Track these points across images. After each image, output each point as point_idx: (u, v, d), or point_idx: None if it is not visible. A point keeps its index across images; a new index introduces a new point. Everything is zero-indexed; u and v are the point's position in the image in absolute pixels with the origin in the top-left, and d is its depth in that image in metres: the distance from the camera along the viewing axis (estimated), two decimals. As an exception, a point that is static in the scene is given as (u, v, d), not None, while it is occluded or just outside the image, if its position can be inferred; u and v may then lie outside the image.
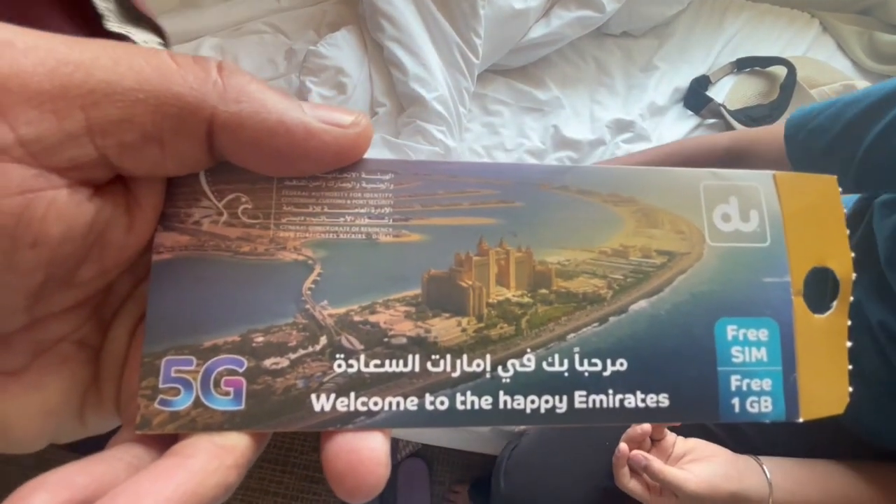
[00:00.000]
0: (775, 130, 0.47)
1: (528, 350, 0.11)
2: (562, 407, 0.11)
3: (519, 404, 0.11)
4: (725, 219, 0.11)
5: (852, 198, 0.50)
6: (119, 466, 0.10)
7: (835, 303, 0.12)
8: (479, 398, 0.11)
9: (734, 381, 0.11)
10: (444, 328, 0.11)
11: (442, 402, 0.11)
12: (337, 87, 0.68)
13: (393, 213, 0.12)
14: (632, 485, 0.46)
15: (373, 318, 0.11)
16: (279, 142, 0.11)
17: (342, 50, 0.69)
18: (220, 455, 0.10)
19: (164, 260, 0.12)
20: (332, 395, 0.11)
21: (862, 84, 0.78)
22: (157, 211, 0.12)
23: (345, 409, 0.11)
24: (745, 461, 0.45)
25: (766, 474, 0.44)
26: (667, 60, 0.83)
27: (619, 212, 0.11)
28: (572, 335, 0.11)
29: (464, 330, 0.11)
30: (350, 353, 0.11)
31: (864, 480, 0.44)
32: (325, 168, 0.12)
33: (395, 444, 0.95)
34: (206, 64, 0.10)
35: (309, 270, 0.12)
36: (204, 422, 0.11)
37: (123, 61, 0.10)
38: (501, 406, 0.11)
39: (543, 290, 0.11)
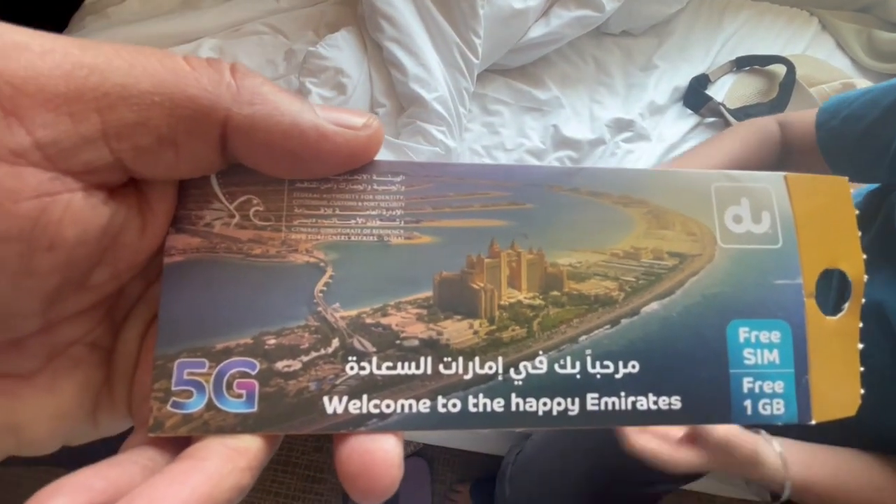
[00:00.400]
0: (807, 119, 0.46)
1: (540, 352, 0.11)
2: (574, 409, 0.11)
3: (531, 406, 0.11)
4: (737, 220, 0.11)
5: (861, 192, 0.50)
6: (134, 470, 0.10)
7: (846, 304, 0.12)
8: (492, 400, 0.11)
9: (746, 384, 0.11)
10: (455, 330, 0.11)
11: (454, 405, 0.11)
12: (337, 88, 0.68)
13: (404, 215, 0.12)
14: (643, 440, 0.42)
15: (385, 321, 0.11)
16: (292, 144, 0.11)
17: (342, 50, 0.69)
18: (233, 458, 0.10)
19: (175, 262, 0.12)
20: (345, 398, 0.11)
21: (861, 82, 0.78)
22: (169, 214, 0.12)
23: (357, 411, 0.11)
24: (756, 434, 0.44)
25: (776, 447, 0.43)
26: (666, 59, 0.83)
27: (630, 213, 0.11)
28: (584, 337, 0.11)
29: (475, 332, 0.11)
30: (362, 356, 0.11)
31: (876, 461, 0.43)
32: (337, 170, 0.12)
33: (397, 444, 0.95)
34: (220, 66, 0.10)
35: (321, 273, 0.12)
36: (217, 424, 0.11)
37: (138, 64, 0.10)
38: (514, 408, 0.11)
39: (555, 293, 0.11)
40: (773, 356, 0.11)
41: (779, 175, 0.12)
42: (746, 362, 0.11)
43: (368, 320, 0.11)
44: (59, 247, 0.10)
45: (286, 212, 0.12)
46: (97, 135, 0.09)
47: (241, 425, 0.11)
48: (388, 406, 0.11)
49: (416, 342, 0.11)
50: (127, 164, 0.10)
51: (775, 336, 0.11)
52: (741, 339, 0.11)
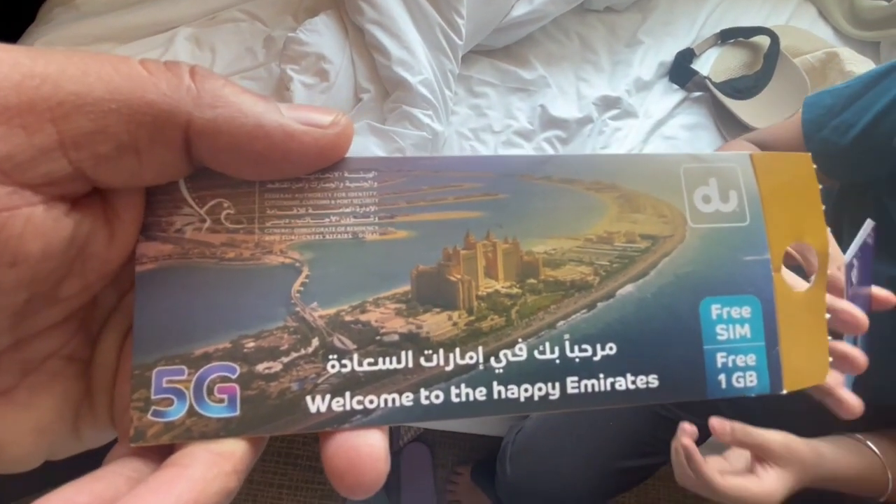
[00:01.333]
0: (786, 133, 0.45)
1: (520, 340, 0.11)
2: (555, 394, 0.11)
3: (513, 393, 0.11)
4: (706, 200, 0.12)
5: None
6: (119, 482, 0.10)
7: (813, 277, 0.12)
8: (474, 390, 0.11)
9: (720, 359, 0.11)
10: (435, 323, 0.11)
11: (437, 396, 0.11)
12: (319, 74, 0.67)
13: (378, 211, 0.12)
14: (729, 483, 0.40)
15: (364, 317, 0.11)
16: (258, 146, 0.10)
17: (322, 35, 0.67)
18: (218, 462, 0.10)
19: (147, 270, 0.11)
20: (328, 396, 0.11)
21: (844, 51, 0.78)
22: (137, 221, 0.11)
23: (341, 408, 0.11)
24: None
25: (873, 447, 0.43)
26: (651, 35, 0.82)
27: (602, 199, 0.12)
28: (562, 322, 0.11)
29: (455, 324, 0.11)
30: (343, 353, 0.11)
31: None
32: (307, 170, 0.12)
33: (397, 430, 0.96)
34: (179, 69, 0.10)
35: (297, 273, 0.12)
36: (199, 430, 0.11)
37: (92, 71, 0.09)
38: (496, 396, 0.11)
39: (532, 280, 0.12)
40: (745, 330, 0.11)
41: (744, 154, 0.12)
42: (719, 338, 0.11)
43: (347, 318, 0.11)
44: (23, 262, 0.09)
45: (258, 213, 0.12)
46: (54, 145, 0.09)
47: (224, 430, 0.11)
48: (371, 402, 0.11)
49: (396, 337, 0.11)
50: (88, 173, 0.10)
51: (746, 311, 0.12)
52: (713, 316, 0.11)
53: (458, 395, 0.11)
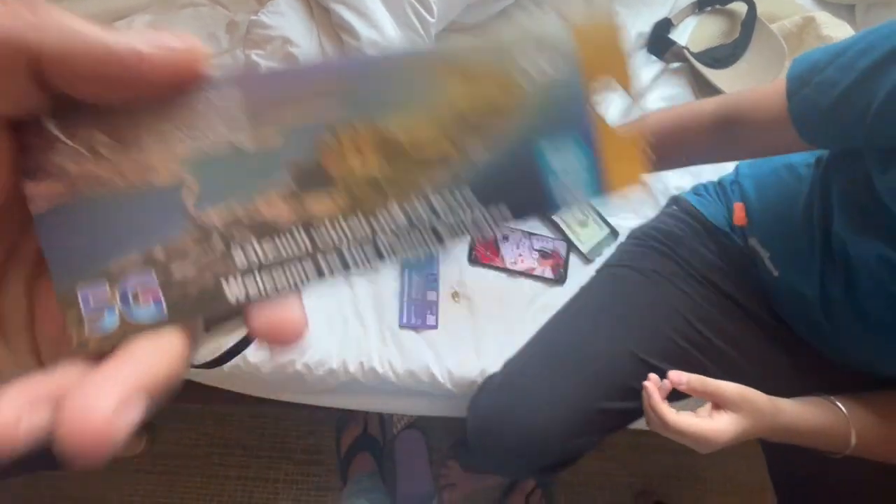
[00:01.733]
0: (770, 91, 0.45)
1: (395, 206, 0.14)
2: (430, 238, 0.14)
3: (396, 245, 0.14)
4: (534, 66, 0.14)
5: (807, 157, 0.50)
6: (73, 371, 0.11)
7: (623, 116, 0.15)
8: (364, 249, 0.14)
9: (555, 183, 0.15)
10: (320, 206, 0.13)
11: (334, 262, 0.13)
12: (286, 59, 0.64)
13: (248, 119, 0.13)
14: (681, 419, 0.45)
15: (255, 211, 0.13)
16: (111, 70, 0.11)
17: (286, 17, 0.65)
18: (161, 347, 0.12)
19: (44, 211, 0.12)
20: (241, 281, 0.13)
21: (821, 15, 0.78)
22: (7, 162, 0.11)
23: (255, 290, 0.13)
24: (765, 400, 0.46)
25: (840, 406, 0.46)
26: (627, 5, 0.81)
27: (450, 81, 0.14)
28: (430, 187, 0.14)
29: (336, 203, 0.14)
30: (245, 245, 0.13)
31: None
32: (167, 89, 0.12)
33: (390, 419, 0.95)
34: (16, 1, 0.10)
35: (184, 185, 0.13)
36: (136, 333, 0.12)
37: None
38: (383, 252, 0.14)
39: (399, 158, 0.14)
40: (573, 156, 0.15)
41: (566, 25, 0.15)
42: (553, 167, 0.15)
43: (240, 213, 0.13)
44: None
45: (134, 138, 0.12)
46: None
47: (158, 329, 0.12)
48: (279, 277, 0.13)
49: (287, 222, 0.13)
50: None
51: (573, 140, 0.15)
52: (547, 151, 0.14)
53: (353, 256, 0.14)
